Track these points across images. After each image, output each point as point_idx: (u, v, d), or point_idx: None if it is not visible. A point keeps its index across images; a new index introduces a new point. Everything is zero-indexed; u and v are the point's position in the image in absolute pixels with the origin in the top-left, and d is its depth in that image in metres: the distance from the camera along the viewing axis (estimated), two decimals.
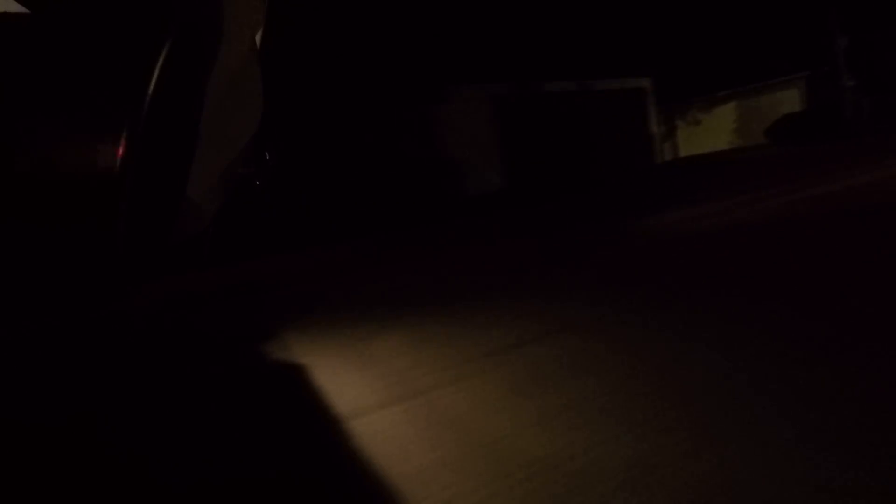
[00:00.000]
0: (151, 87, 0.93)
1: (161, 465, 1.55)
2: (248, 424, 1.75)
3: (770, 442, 1.17)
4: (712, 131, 22.04)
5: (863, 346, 1.54)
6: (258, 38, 1.93)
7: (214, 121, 1.52)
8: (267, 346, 2.68)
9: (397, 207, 12.66)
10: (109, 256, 1.08)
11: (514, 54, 14.50)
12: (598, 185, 12.70)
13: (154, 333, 3.50)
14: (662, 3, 17.78)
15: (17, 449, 1.81)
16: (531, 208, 9.20)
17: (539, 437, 1.33)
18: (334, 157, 12.12)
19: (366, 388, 1.86)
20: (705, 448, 1.19)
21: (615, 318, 2.17)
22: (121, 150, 0.90)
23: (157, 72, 0.93)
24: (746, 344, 1.68)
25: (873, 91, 15.67)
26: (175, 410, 1.99)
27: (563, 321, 2.23)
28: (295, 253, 8.44)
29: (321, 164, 12.01)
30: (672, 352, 1.72)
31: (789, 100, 19.58)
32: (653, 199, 6.97)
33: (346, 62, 12.09)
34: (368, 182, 12.61)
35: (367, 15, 12.45)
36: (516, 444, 1.32)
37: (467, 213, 10.55)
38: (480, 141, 14.12)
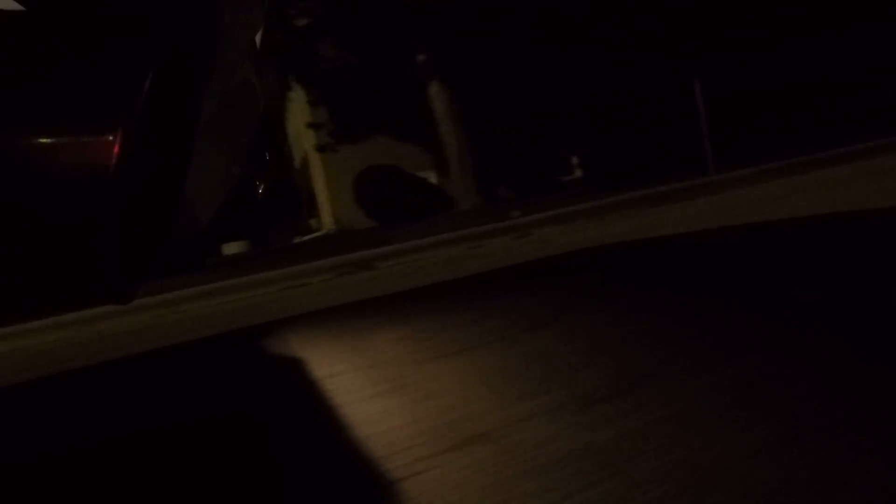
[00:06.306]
0: (147, 84, 0.92)
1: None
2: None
3: None
4: None
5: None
6: (258, 38, 1.91)
7: (213, 120, 1.50)
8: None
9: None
10: (106, 257, 1.06)
11: None
12: None
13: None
14: None
15: None
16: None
17: None
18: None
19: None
20: None
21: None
22: (116, 149, 0.88)
23: (153, 69, 0.92)
24: None
25: None
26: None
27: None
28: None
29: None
30: None
31: None
32: None
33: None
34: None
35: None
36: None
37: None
38: None
